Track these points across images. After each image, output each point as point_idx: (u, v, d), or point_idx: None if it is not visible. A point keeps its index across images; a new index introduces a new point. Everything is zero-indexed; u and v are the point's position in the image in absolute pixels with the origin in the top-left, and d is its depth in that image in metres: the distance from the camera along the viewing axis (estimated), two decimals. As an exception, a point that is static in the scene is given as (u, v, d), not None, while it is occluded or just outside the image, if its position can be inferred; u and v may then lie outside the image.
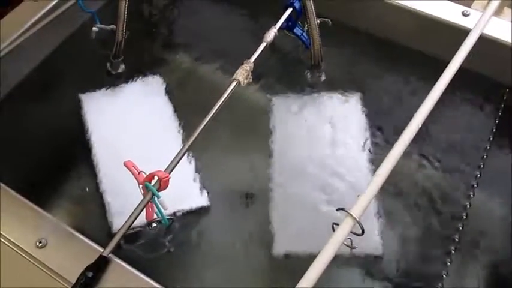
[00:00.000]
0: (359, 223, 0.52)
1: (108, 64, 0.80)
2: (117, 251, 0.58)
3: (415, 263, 0.63)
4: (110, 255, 0.51)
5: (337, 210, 0.53)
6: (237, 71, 0.63)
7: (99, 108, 0.76)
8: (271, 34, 0.67)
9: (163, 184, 0.55)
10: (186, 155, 0.70)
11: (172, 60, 0.84)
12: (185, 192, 0.69)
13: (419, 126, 0.59)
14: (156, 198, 0.55)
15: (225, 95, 0.61)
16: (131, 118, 0.76)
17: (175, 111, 0.77)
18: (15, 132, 0.72)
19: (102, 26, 0.77)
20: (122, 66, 0.80)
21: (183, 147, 0.58)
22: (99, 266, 0.50)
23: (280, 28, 0.70)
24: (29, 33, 0.71)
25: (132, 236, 0.64)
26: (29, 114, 0.74)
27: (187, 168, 0.71)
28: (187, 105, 0.78)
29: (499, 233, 0.64)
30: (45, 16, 0.73)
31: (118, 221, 0.66)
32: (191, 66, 0.84)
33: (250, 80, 0.64)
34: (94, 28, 0.77)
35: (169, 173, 0.55)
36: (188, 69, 0.83)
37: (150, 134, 0.75)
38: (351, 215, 0.52)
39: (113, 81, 0.79)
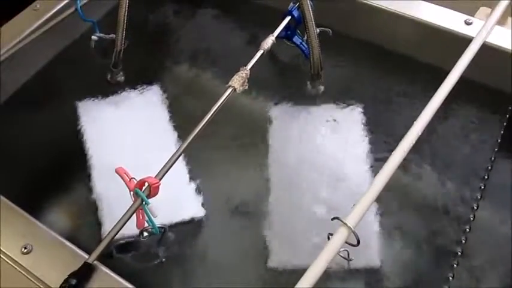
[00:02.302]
0: (354, 233, 0.50)
1: (107, 73, 0.80)
2: (108, 261, 0.57)
3: (415, 276, 0.61)
4: (95, 262, 0.50)
5: (332, 219, 0.52)
6: (233, 78, 0.62)
7: (96, 117, 0.76)
8: (268, 42, 0.66)
9: (153, 190, 0.53)
10: (182, 164, 0.71)
11: (172, 70, 0.84)
12: (180, 202, 0.67)
13: (419, 134, 0.57)
14: (146, 206, 0.54)
15: (219, 102, 0.60)
16: (129, 127, 0.76)
17: (174, 120, 0.76)
18: (11, 140, 0.71)
19: (102, 35, 0.78)
20: (121, 76, 0.80)
21: (174, 153, 0.57)
22: (83, 273, 0.48)
23: (279, 37, 0.70)
24: (27, 40, 0.71)
25: (123, 245, 0.63)
26: (26, 121, 0.74)
27: (182, 177, 0.70)
28: (185, 114, 0.77)
29: (503, 246, 0.61)
30: (45, 24, 0.74)
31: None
32: (190, 75, 0.83)
33: (246, 87, 0.63)
34: (93, 37, 0.77)
35: (160, 180, 0.54)
36: (187, 79, 0.83)
37: (148, 144, 0.74)
38: (345, 224, 0.50)
39: (111, 90, 0.78)
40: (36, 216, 0.57)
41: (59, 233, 0.56)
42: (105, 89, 0.78)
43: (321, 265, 0.48)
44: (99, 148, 0.73)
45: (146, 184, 0.54)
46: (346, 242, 0.51)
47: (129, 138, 0.74)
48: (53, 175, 0.71)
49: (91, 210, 0.66)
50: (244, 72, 0.63)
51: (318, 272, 0.48)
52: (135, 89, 0.79)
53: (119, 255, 0.62)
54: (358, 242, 0.51)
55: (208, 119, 0.59)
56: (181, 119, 0.76)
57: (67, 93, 0.78)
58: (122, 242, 0.62)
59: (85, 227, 0.66)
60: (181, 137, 0.73)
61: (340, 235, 0.50)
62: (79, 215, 0.67)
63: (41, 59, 0.78)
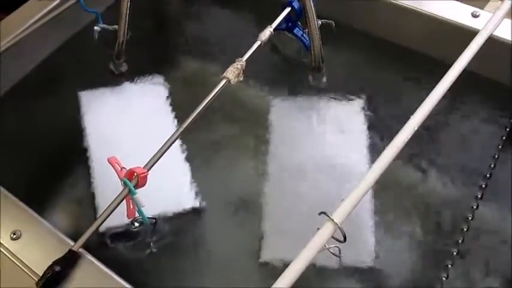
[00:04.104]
0: (340, 229, 0.49)
1: (110, 64, 0.80)
2: (99, 249, 0.58)
3: (410, 276, 0.59)
4: (80, 250, 0.50)
5: (319, 214, 0.51)
6: (228, 69, 0.61)
7: (98, 107, 0.76)
8: (266, 33, 0.65)
9: (141, 180, 0.53)
10: (178, 154, 0.71)
11: (175, 60, 0.84)
12: (176, 193, 0.67)
13: (415, 129, 0.56)
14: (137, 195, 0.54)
15: (212, 93, 0.60)
16: (130, 118, 0.76)
17: (176, 112, 0.76)
18: (13, 128, 0.72)
19: (105, 26, 0.78)
20: (125, 66, 0.80)
21: (164, 144, 0.56)
22: (68, 260, 0.49)
23: (279, 28, 0.69)
24: (31, 29, 0.72)
25: (117, 234, 0.63)
26: (28, 111, 0.75)
27: (180, 168, 0.70)
28: (188, 105, 0.76)
29: (502, 248, 0.59)
30: (49, 14, 0.74)
31: (107, 221, 0.64)
32: (193, 66, 0.83)
33: (241, 79, 0.62)
34: (96, 28, 0.77)
35: (148, 170, 0.54)
36: (190, 70, 0.83)
37: (149, 135, 0.74)
38: (332, 219, 0.49)
39: (114, 81, 0.79)
40: (33, 204, 0.57)
41: (54, 221, 0.57)
42: (108, 79, 0.79)
43: (303, 261, 0.47)
44: (100, 138, 0.73)
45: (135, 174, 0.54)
46: (334, 238, 0.50)
47: (130, 128, 0.74)
48: (53, 164, 0.71)
49: (88, 199, 0.66)
50: (239, 64, 0.62)
51: (299, 268, 0.47)
52: (137, 79, 0.79)
53: (112, 244, 0.63)
54: (345, 239, 0.50)
55: (199, 111, 0.59)
56: (184, 109, 0.75)
57: (70, 84, 0.78)
58: (115, 231, 0.63)
59: (81, 216, 0.66)
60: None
61: (325, 231, 0.49)
62: (76, 204, 0.68)
63: (45, 49, 0.78)
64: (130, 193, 0.53)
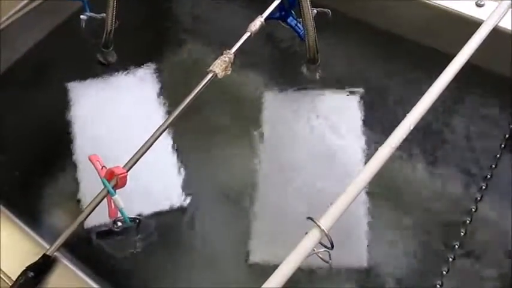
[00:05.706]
0: (327, 236, 0.46)
1: (98, 54, 0.78)
2: (81, 249, 0.56)
3: (405, 279, 0.57)
4: (55, 254, 0.48)
5: (307, 219, 0.48)
6: (215, 62, 0.58)
7: (85, 99, 0.74)
8: (256, 24, 0.62)
9: (120, 181, 0.51)
10: (170, 151, 0.69)
11: (164, 50, 0.81)
12: (164, 191, 0.66)
13: (411, 128, 0.52)
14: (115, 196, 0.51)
15: (198, 88, 0.57)
16: (118, 109, 0.74)
17: (165, 102, 0.73)
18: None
19: (92, 14, 0.75)
20: (113, 56, 0.78)
21: (145, 142, 0.54)
22: (42, 265, 0.47)
23: (272, 18, 0.66)
24: (14, 18, 0.70)
25: (102, 233, 0.61)
26: (13, 102, 0.72)
27: (168, 165, 0.68)
28: (177, 96, 0.73)
29: (502, 250, 0.56)
30: (33, 3, 0.72)
31: (91, 219, 0.62)
32: (182, 56, 0.80)
33: (229, 72, 0.59)
34: (82, 16, 0.75)
35: (128, 170, 0.52)
36: (179, 59, 0.80)
37: (137, 127, 0.72)
38: (319, 226, 0.47)
39: (102, 71, 0.76)
40: (11, 203, 0.56)
41: (33, 222, 0.55)
42: (95, 69, 0.76)
43: (287, 270, 0.45)
44: (86, 132, 0.71)
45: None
46: (321, 244, 0.48)
47: (117, 120, 0.72)
48: (36, 158, 0.70)
49: (72, 198, 0.64)
50: (227, 56, 0.59)
51: (284, 274, 0.45)
52: (125, 69, 0.77)
53: (96, 243, 0.61)
54: (332, 246, 0.47)
55: (185, 106, 0.56)
56: (173, 100, 0.73)
57: (55, 74, 0.76)
58: (100, 230, 0.61)
59: (64, 215, 0.64)
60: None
61: (311, 237, 0.46)
62: (58, 203, 0.66)
63: (30, 39, 0.76)
64: (109, 194, 0.51)
